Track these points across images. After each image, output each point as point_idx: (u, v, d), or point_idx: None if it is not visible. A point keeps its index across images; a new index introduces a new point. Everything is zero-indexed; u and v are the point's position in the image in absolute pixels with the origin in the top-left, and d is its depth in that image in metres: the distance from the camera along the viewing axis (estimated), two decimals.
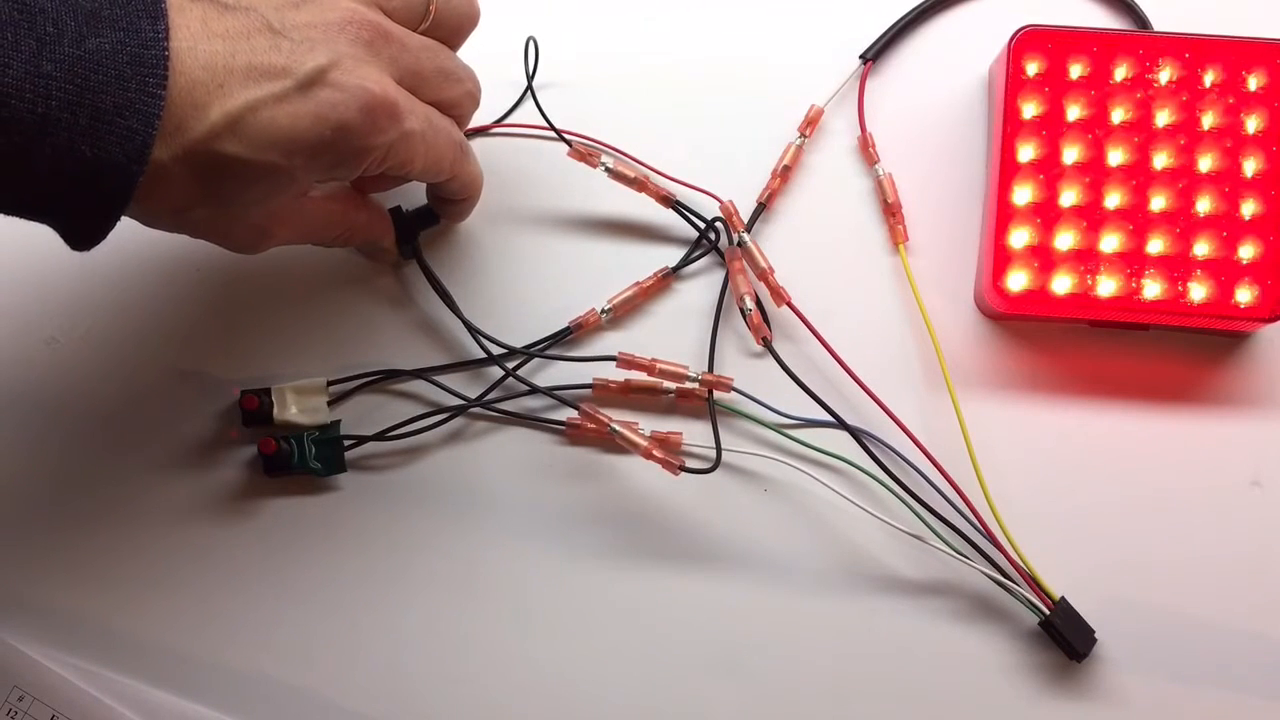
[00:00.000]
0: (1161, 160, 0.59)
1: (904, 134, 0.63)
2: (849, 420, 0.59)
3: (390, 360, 0.62)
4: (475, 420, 0.62)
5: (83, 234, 0.46)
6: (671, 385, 0.61)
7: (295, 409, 0.61)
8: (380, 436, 0.61)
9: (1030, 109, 0.59)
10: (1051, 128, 0.59)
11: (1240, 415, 0.61)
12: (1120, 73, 0.59)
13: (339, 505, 0.61)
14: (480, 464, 0.61)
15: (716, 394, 0.60)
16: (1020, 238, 0.59)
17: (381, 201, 0.61)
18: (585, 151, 0.61)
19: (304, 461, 0.60)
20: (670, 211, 0.62)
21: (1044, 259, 0.59)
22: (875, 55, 0.64)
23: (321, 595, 0.61)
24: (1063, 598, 0.58)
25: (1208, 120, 0.59)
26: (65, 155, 0.42)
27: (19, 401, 0.62)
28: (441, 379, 0.62)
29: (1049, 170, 0.59)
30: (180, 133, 0.44)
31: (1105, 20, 0.64)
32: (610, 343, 0.62)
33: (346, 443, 0.61)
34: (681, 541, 0.61)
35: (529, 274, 0.63)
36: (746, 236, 0.61)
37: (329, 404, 0.61)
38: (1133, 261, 0.58)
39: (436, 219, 0.62)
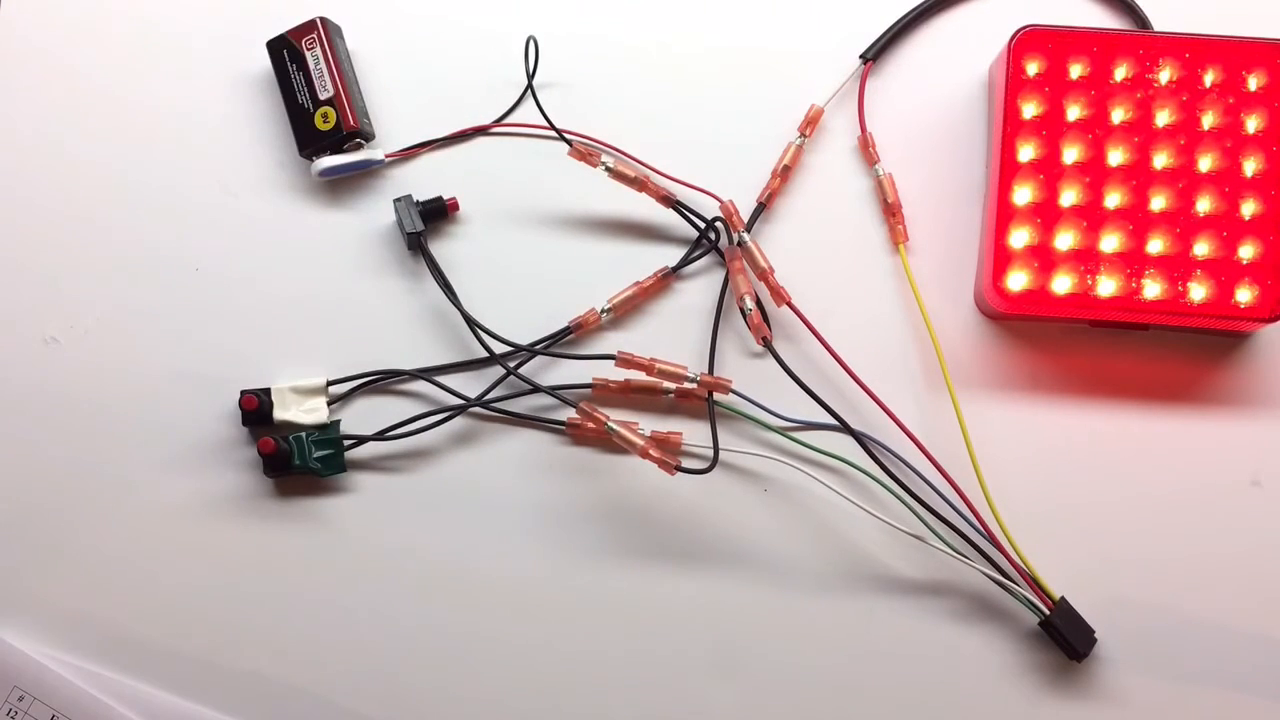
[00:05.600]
0: (1161, 160, 0.59)
1: (904, 134, 0.63)
2: (848, 420, 0.59)
3: (390, 360, 0.62)
4: (475, 420, 0.62)
5: None
6: (671, 385, 0.61)
7: (295, 409, 0.61)
8: (380, 436, 0.61)
9: (1030, 109, 0.59)
10: (1051, 128, 0.59)
11: (1240, 415, 0.61)
12: (1120, 73, 0.59)
13: (339, 505, 0.61)
14: (481, 464, 0.61)
15: (716, 395, 0.60)
16: (1020, 238, 0.59)
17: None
18: (585, 151, 0.61)
19: (304, 461, 0.60)
20: (670, 211, 0.62)
21: (1044, 259, 0.59)
22: (875, 55, 0.64)
23: (321, 595, 0.61)
24: (1063, 598, 0.58)
25: (1208, 120, 0.59)
26: None
27: (19, 401, 0.62)
28: (442, 379, 0.62)
29: (1049, 170, 0.59)
30: None
31: (1105, 20, 0.64)
32: (610, 342, 0.62)
33: (346, 443, 0.61)
34: (682, 541, 0.61)
35: (529, 274, 0.63)
36: (746, 236, 0.61)
37: (329, 404, 0.61)
38: (1133, 261, 0.58)
39: (444, 213, 0.62)
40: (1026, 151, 0.59)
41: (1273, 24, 0.61)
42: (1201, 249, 0.58)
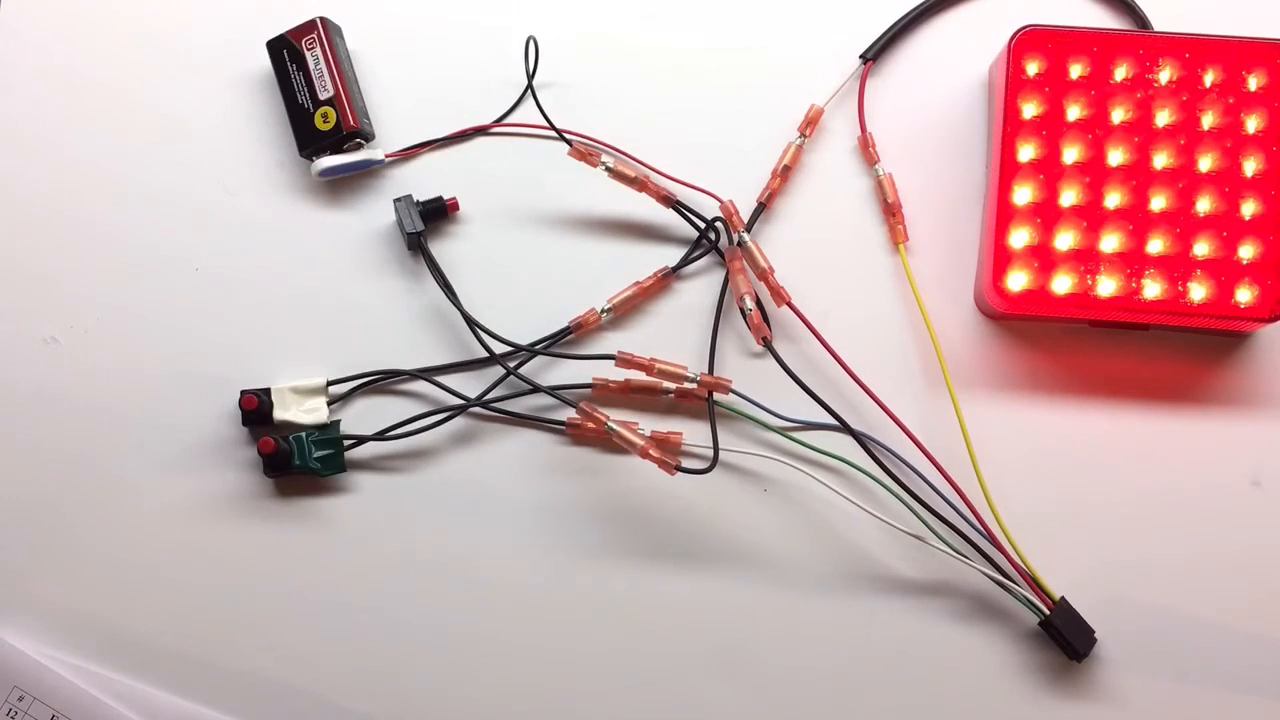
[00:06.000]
0: (1161, 160, 0.59)
1: (904, 134, 0.63)
2: (848, 420, 0.59)
3: (390, 360, 0.62)
4: (475, 420, 0.62)
5: None
6: (671, 385, 0.61)
7: (295, 409, 0.61)
8: (380, 436, 0.61)
9: (1030, 109, 0.59)
10: (1051, 128, 0.59)
11: (1240, 415, 0.61)
12: (1120, 73, 0.59)
13: (339, 505, 0.61)
14: (481, 464, 0.61)
15: (717, 395, 0.60)
16: (1020, 238, 0.59)
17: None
18: (585, 151, 0.61)
19: (304, 461, 0.60)
20: (670, 211, 0.62)
21: (1044, 259, 0.59)
22: (875, 55, 0.64)
23: (321, 595, 0.61)
24: (1063, 598, 0.58)
25: (1208, 120, 0.59)
26: None
27: (19, 401, 0.62)
28: (442, 379, 0.62)
29: (1049, 170, 0.59)
30: None
31: (1105, 20, 0.64)
32: (610, 343, 0.62)
33: (346, 443, 0.61)
34: (682, 541, 0.61)
35: (529, 274, 0.63)
36: (746, 236, 0.61)
37: (329, 404, 0.61)
38: (1133, 261, 0.58)
39: (444, 213, 0.62)
40: (1026, 151, 0.59)
41: (1273, 24, 0.61)
42: (1201, 249, 0.58)
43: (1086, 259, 0.59)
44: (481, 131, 0.64)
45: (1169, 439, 0.61)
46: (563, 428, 0.61)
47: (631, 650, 0.60)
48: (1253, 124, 0.59)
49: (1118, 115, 0.59)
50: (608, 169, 0.61)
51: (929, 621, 0.60)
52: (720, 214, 0.62)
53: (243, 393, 0.61)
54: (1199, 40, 0.59)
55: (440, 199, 0.63)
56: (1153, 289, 0.58)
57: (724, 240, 0.63)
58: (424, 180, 0.64)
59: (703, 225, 0.62)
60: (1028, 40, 0.59)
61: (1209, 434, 0.61)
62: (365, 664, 0.60)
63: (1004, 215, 0.59)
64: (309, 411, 0.61)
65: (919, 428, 0.59)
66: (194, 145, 0.64)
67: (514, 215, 0.64)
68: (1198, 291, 0.58)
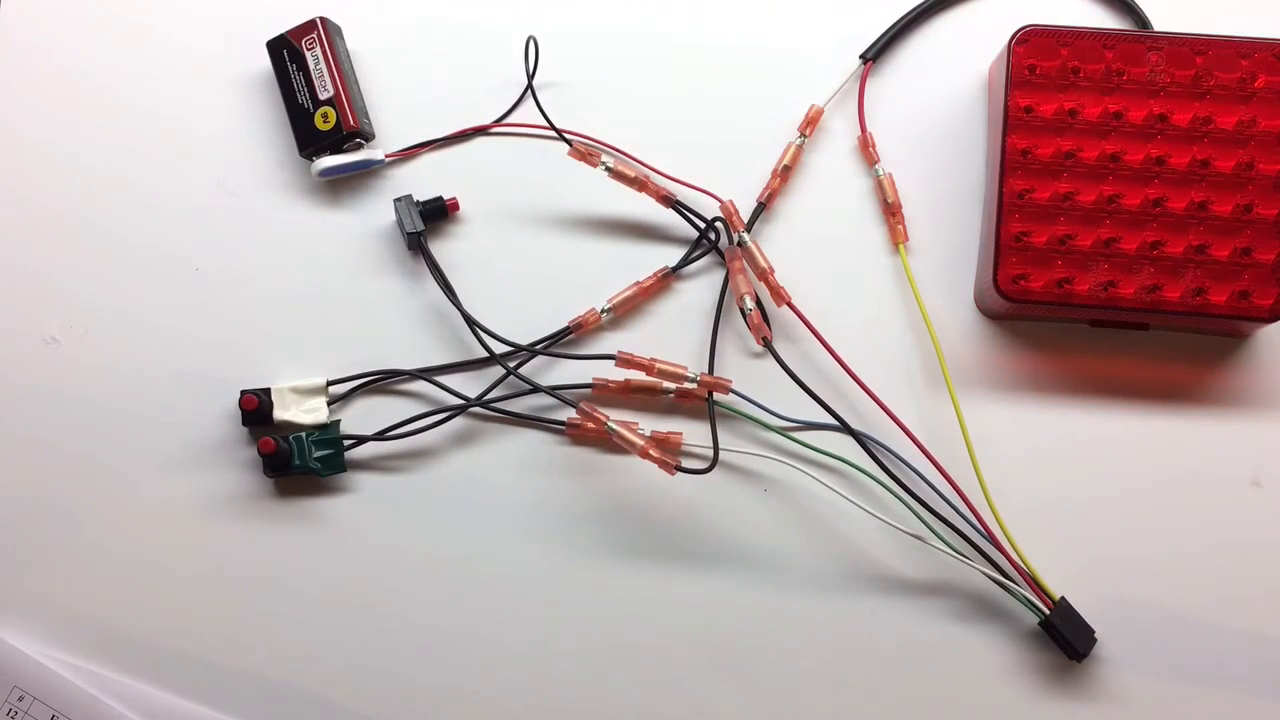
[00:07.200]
0: (1162, 160, 0.59)
1: (904, 134, 0.63)
2: (848, 420, 0.59)
3: (390, 360, 0.62)
4: (475, 420, 0.62)
5: None
6: (671, 385, 0.61)
7: (295, 409, 0.61)
8: (380, 436, 0.61)
9: (1030, 108, 0.59)
10: (1051, 127, 0.59)
11: (1240, 415, 0.61)
12: (1120, 73, 0.59)
13: (339, 505, 0.61)
14: (481, 464, 0.61)
15: (717, 395, 0.60)
16: (1020, 237, 0.59)
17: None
18: (585, 151, 0.61)
19: (304, 461, 0.60)
20: (670, 211, 0.62)
21: (1044, 258, 0.59)
22: (875, 55, 0.64)
23: (321, 595, 0.61)
24: (1062, 598, 0.58)
25: (1208, 120, 0.59)
26: None
27: (19, 401, 0.62)
28: (442, 379, 0.62)
29: (1049, 170, 0.59)
30: None
31: (1105, 20, 0.64)
32: (610, 343, 0.62)
33: (346, 443, 0.61)
34: (682, 542, 0.61)
35: (529, 274, 0.63)
36: (746, 236, 0.61)
37: (329, 404, 0.61)
38: (1133, 261, 0.58)
39: (444, 213, 0.62)
40: (1026, 151, 0.59)
41: (1273, 24, 0.61)
42: (1203, 248, 0.58)
43: (1087, 258, 0.59)
44: (481, 131, 0.64)
45: (1169, 439, 0.61)
46: (563, 428, 0.61)
47: (632, 650, 0.60)
48: (1254, 124, 0.59)
49: (1117, 115, 0.59)
50: (608, 169, 0.61)
51: (929, 621, 0.60)
52: (720, 214, 0.62)
53: (243, 393, 0.61)
54: (1199, 40, 0.59)
55: (440, 199, 0.63)
56: (1153, 289, 0.58)
57: (724, 240, 0.63)
58: (424, 180, 0.64)
59: (703, 225, 0.62)
60: (1028, 40, 0.59)
61: (1209, 434, 0.61)
62: (365, 664, 0.60)
63: (1004, 215, 0.59)
64: (309, 411, 0.61)
65: (919, 428, 0.59)
66: (194, 145, 0.64)
67: (514, 215, 0.64)
68: (1198, 291, 0.58)
